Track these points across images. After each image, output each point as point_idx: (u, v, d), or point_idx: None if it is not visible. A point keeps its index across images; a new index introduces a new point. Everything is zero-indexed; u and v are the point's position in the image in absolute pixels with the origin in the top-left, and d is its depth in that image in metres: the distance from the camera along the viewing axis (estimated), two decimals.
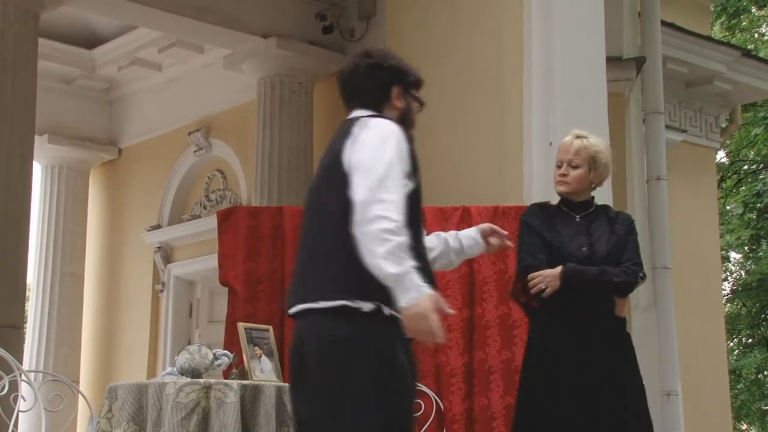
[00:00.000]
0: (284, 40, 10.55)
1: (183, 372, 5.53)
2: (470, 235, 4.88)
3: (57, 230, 12.78)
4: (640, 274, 5.52)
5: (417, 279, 3.87)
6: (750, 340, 22.36)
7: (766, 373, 22.34)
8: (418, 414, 5.91)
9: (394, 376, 4.02)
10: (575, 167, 5.55)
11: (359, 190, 3.98)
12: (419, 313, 3.85)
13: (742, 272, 22.94)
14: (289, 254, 7.33)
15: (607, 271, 5.39)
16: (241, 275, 7.39)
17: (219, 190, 12.29)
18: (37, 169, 12.64)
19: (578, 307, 5.41)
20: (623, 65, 9.61)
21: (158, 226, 12.67)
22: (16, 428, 6.28)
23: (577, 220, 5.58)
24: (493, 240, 4.93)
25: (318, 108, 10.78)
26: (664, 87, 10.05)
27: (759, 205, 19.74)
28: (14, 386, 6.33)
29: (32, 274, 12.34)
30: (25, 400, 6.36)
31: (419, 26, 8.59)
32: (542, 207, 5.72)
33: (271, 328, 6.14)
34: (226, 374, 5.80)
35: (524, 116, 7.77)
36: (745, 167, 21.27)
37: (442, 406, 6.87)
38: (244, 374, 5.69)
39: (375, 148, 4.06)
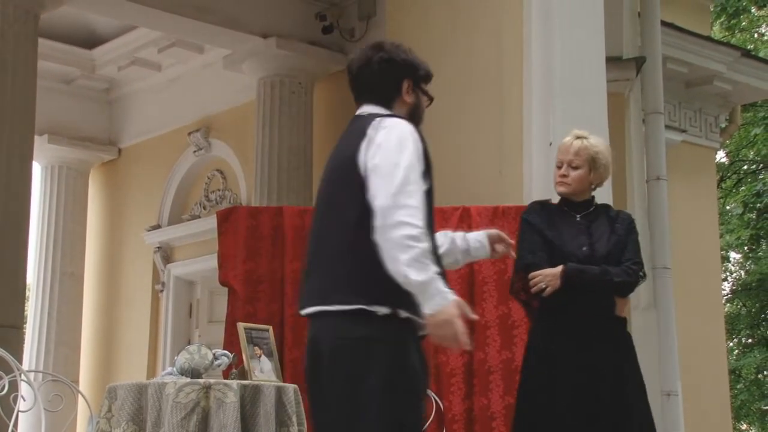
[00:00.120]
0: (284, 40, 10.54)
1: (183, 372, 5.52)
2: (478, 238, 4.85)
3: (57, 230, 12.78)
4: (641, 274, 5.52)
5: (441, 285, 3.86)
6: (750, 340, 22.34)
7: (765, 373, 22.31)
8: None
9: (406, 378, 4.00)
10: (575, 168, 5.54)
11: (379, 195, 3.94)
12: (445, 320, 3.84)
13: (742, 272, 22.92)
14: (288, 254, 7.35)
15: (608, 271, 5.39)
16: (241, 275, 7.38)
17: (219, 190, 12.28)
18: (37, 169, 12.64)
19: (579, 307, 5.40)
20: (623, 65, 9.60)
21: (158, 226, 12.67)
22: (16, 428, 6.28)
23: (578, 219, 5.58)
24: (499, 247, 4.90)
25: (318, 108, 10.77)
26: (664, 87, 10.04)
27: (759, 205, 19.72)
28: (14, 386, 6.33)
29: (32, 274, 12.33)
30: (24, 400, 6.36)
31: (419, 26, 8.58)
32: (543, 205, 5.70)
33: (270, 328, 6.11)
34: (226, 374, 5.79)
35: (524, 116, 7.77)
36: (745, 167, 21.25)
37: (441, 406, 6.87)
38: (243, 374, 5.68)
39: (393, 152, 4.00)
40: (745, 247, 21.65)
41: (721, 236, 17.64)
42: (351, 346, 3.98)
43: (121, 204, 13.26)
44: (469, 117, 8.08)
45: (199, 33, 10.75)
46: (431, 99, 4.40)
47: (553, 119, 7.57)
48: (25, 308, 10.59)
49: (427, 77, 4.38)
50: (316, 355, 4.09)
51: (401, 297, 3.92)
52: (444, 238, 4.74)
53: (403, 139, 4.04)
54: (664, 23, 10.41)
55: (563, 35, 7.80)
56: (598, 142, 5.64)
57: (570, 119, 7.35)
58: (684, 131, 12.10)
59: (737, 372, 20.97)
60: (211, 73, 11.98)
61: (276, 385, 5.47)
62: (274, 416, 5.34)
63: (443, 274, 3.98)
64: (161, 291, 12.52)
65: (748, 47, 18.54)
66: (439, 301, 3.84)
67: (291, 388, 5.55)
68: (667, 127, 10.66)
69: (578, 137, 5.60)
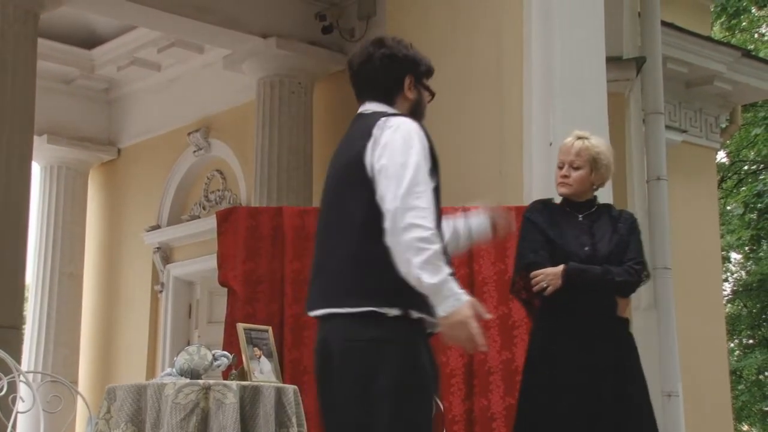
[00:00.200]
0: (284, 40, 10.54)
1: (182, 373, 5.50)
2: (479, 222, 4.76)
3: (56, 230, 12.78)
4: (644, 274, 5.51)
5: (455, 287, 3.86)
6: (751, 341, 22.33)
7: (767, 374, 22.29)
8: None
9: (417, 379, 4.00)
10: (576, 168, 5.54)
11: (388, 197, 3.93)
12: (460, 321, 3.85)
13: (743, 273, 22.89)
14: (288, 255, 7.31)
15: (610, 271, 5.39)
16: (241, 276, 7.34)
17: (218, 190, 12.28)
18: (36, 170, 12.64)
19: (580, 307, 5.41)
20: (623, 65, 9.59)
21: (157, 227, 12.66)
22: (15, 429, 6.31)
23: (580, 219, 5.57)
24: (501, 223, 4.78)
25: (318, 108, 10.76)
26: (664, 87, 10.01)
27: (759, 205, 19.69)
28: (13, 387, 6.36)
29: (31, 275, 12.33)
30: (23, 401, 6.36)
31: (419, 26, 8.56)
32: (545, 204, 5.70)
33: (270, 328, 6.09)
34: (226, 375, 5.76)
35: (524, 116, 7.74)
36: (746, 167, 21.23)
37: (442, 407, 6.85)
38: (243, 375, 5.66)
39: (400, 152, 3.99)
40: (746, 248, 21.62)
41: (722, 237, 17.62)
42: (361, 347, 3.98)
43: (121, 204, 13.25)
44: (469, 117, 8.06)
45: (199, 33, 10.75)
46: (433, 94, 4.38)
47: (553, 119, 7.54)
48: (24, 309, 10.57)
49: (429, 72, 4.36)
50: (326, 356, 4.09)
51: (412, 297, 3.92)
52: (446, 225, 4.67)
53: (409, 139, 4.03)
54: (664, 23, 10.39)
55: (563, 35, 7.78)
56: (600, 142, 5.64)
57: (570, 119, 7.34)
58: (684, 131, 12.08)
59: (738, 373, 20.95)
60: (210, 73, 11.97)
61: (276, 386, 5.45)
62: (273, 417, 5.32)
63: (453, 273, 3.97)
64: (160, 291, 12.50)
65: (749, 47, 18.51)
66: (453, 303, 3.85)
67: (291, 389, 5.54)
68: (668, 127, 10.64)
69: (579, 138, 5.60)
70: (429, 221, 3.88)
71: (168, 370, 5.68)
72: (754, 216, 20.21)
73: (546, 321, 5.52)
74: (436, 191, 4.08)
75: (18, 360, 7.72)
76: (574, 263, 5.37)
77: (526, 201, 7.11)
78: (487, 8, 8.26)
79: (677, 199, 10.83)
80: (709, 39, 12.50)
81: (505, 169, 7.77)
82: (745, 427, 22.50)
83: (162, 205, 12.69)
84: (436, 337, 4.15)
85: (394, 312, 3.98)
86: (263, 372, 5.74)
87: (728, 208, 20.43)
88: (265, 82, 10.68)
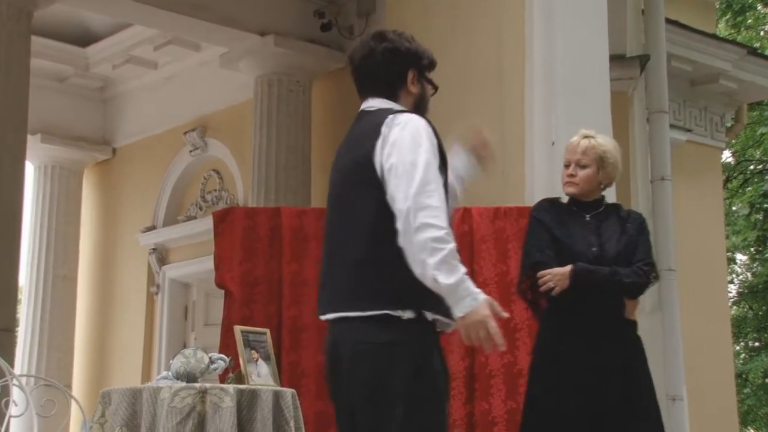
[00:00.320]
0: (282, 37, 10.53)
1: (178, 376, 5.48)
2: (464, 165, 4.57)
3: (50, 231, 12.78)
4: (653, 275, 5.50)
5: (471, 286, 3.84)
6: (757, 344, 22.46)
7: None
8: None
9: (431, 381, 3.98)
10: (583, 167, 5.54)
11: (399, 197, 3.90)
12: (478, 321, 3.83)
13: (749, 274, 23.02)
14: (286, 256, 7.30)
15: (618, 272, 5.38)
16: (238, 277, 7.32)
17: (215, 190, 12.27)
18: (30, 169, 12.58)
19: (588, 308, 5.40)
20: (627, 63, 9.59)
21: (153, 228, 12.66)
22: None
23: (587, 219, 5.57)
24: (483, 153, 4.61)
25: (316, 107, 10.76)
26: (669, 85, 10.02)
27: (765, 205, 19.86)
28: (6, 391, 6.44)
29: (24, 277, 12.30)
30: (16, 405, 6.40)
31: (419, 23, 8.50)
32: (552, 203, 5.69)
33: (268, 331, 6.10)
34: (222, 378, 5.78)
35: (526, 115, 7.72)
36: (751, 167, 21.34)
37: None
38: (240, 378, 5.66)
39: (410, 150, 3.95)
40: (752, 249, 21.78)
41: (727, 237, 17.65)
42: (372, 350, 3.95)
43: (116, 205, 13.25)
44: (470, 116, 7.98)
45: (196, 31, 10.76)
46: (436, 88, 4.34)
47: (555, 118, 7.53)
48: (18, 311, 10.54)
49: (432, 66, 4.32)
50: (336, 359, 4.07)
51: (425, 298, 3.91)
52: None
53: (417, 136, 3.99)
54: (668, 21, 10.40)
55: (566, 33, 7.76)
56: (606, 141, 5.66)
57: (572, 118, 7.34)
58: (689, 130, 12.11)
59: (744, 376, 21.01)
60: (207, 71, 11.97)
61: (273, 390, 5.43)
62: (271, 421, 5.29)
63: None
64: (156, 293, 12.50)
65: (754, 45, 18.67)
66: (470, 303, 3.83)
67: (289, 392, 5.52)
68: (672, 126, 10.65)
69: (586, 136, 5.61)
70: (442, 220, 3.85)
71: (164, 373, 5.66)
72: (760, 216, 20.30)
73: (553, 321, 5.50)
74: (445, 187, 4.03)
75: (11, 363, 7.71)
76: (582, 264, 5.36)
77: (528, 201, 7.20)
78: (488, 5, 8.24)
79: (682, 199, 10.85)
80: (714, 36, 12.52)
81: (506, 168, 7.75)
82: None
83: (158, 206, 12.68)
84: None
85: (408, 315, 3.95)
86: (261, 375, 5.74)
87: (734, 208, 20.49)
88: (263, 81, 10.67)
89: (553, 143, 7.36)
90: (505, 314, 3.95)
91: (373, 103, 4.21)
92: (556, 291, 5.32)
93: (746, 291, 22.28)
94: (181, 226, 12.40)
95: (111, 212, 13.26)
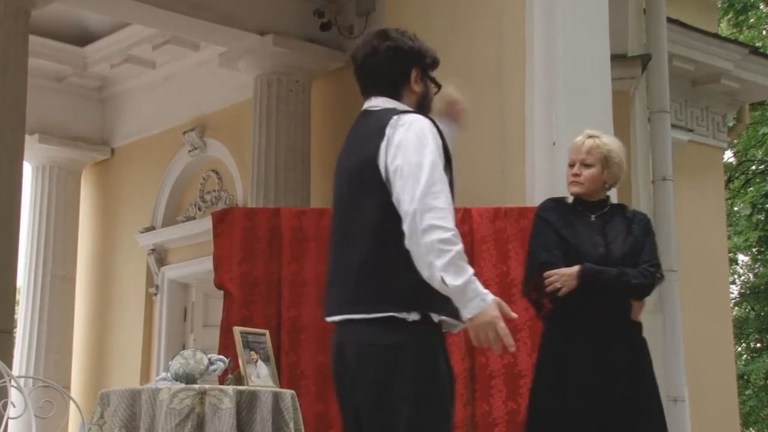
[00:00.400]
0: (281, 37, 10.51)
1: (177, 377, 5.47)
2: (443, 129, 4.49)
3: (48, 232, 12.75)
4: (658, 275, 5.50)
5: (479, 287, 3.84)
6: (758, 345, 22.50)
7: None
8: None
9: (436, 383, 3.98)
10: (588, 166, 5.54)
11: (405, 198, 3.89)
12: (487, 322, 3.83)
13: (751, 275, 23.06)
14: (286, 256, 7.29)
15: (626, 273, 5.37)
16: (237, 278, 7.32)
17: (214, 190, 12.26)
18: (28, 170, 12.61)
19: (594, 308, 5.39)
20: (628, 63, 9.58)
21: (152, 228, 12.63)
22: None
23: (593, 219, 5.55)
24: (456, 111, 4.61)
25: (316, 106, 10.75)
26: (670, 85, 10.01)
27: (767, 206, 19.68)
28: (4, 392, 6.44)
29: (22, 277, 12.30)
30: (15, 407, 6.40)
31: (419, 22, 8.48)
32: (558, 203, 5.68)
33: (267, 332, 6.06)
34: (222, 380, 5.77)
35: (526, 115, 7.71)
36: (753, 167, 21.39)
37: None
38: (239, 380, 5.64)
39: (415, 151, 3.94)
40: (754, 249, 21.81)
41: (729, 238, 17.64)
42: (378, 353, 3.96)
43: (114, 205, 13.23)
44: (470, 116, 7.95)
45: (195, 30, 10.74)
46: (439, 87, 4.32)
47: (556, 118, 7.52)
48: (15, 312, 10.52)
49: (435, 64, 4.30)
50: (341, 361, 4.09)
51: (431, 300, 3.91)
52: None
53: (422, 137, 3.98)
54: (670, 20, 10.39)
55: (567, 32, 7.75)
56: (611, 140, 5.67)
57: (573, 118, 7.35)
58: (691, 130, 12.14)
59: (746, 377, 21.01)
60: (206, 70, 11.96)
61: (273, 391, 5.42)
62: (270, 423, 5.28)
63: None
64: (155, 294, 12.48)
65: (756, 44, 18.70)
66: (479, 304, 3.82)
67: (288, 393, 5.51)
68: (674, 126, 10.66)
69: (590, 136, 5.62)
70: (448, 221, 3.85)
71: (163, 374, 5.66)
72: (762, 217, 20.33)
73: (558, 322, 5.49)
74: (450, 187, 4.02)
75: (9, 364, 7.72)
76: (590, 264, 5.35)
77: (529, 202, 7.24)
78: (488, 5, 8.23)
79: (683, 199, 10.86)
80: (716, 36, 12.53)
81: (507, 169, 7.81)
82: None
83: (156, 206, 12.66)
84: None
85: (413, 316, 3.95)
86: (260, 376, 5.72)
87: (735, 208, 20.51)
88: (262, 80, 10.66)
89: (554, 143, 7.35)
90: (514, 315, 3.94)
91: (376, 103, 4.19)
92: (563, 291, 5.32)
93: (748, 292, 22.32)
94: (180, 226, 12.38)
95: (109, 213, 13.24)
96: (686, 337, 9.60)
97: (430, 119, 4.09)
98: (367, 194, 4.03)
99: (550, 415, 5.34)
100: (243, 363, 5.67)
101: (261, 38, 10.48)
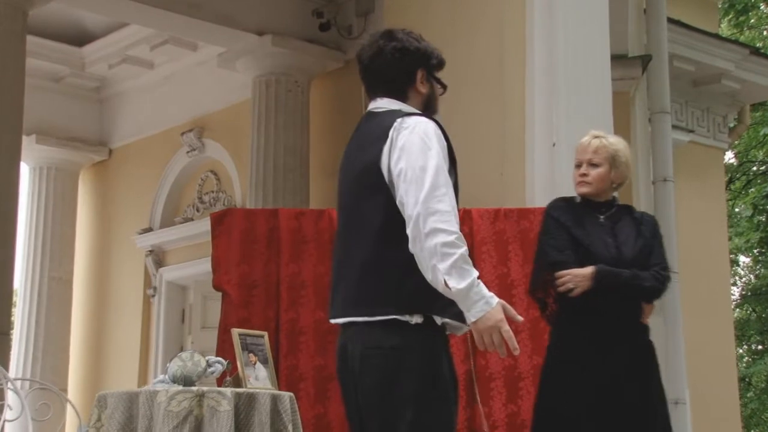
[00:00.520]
0: (280, 37, 10.52)
1: (175, 380, 5.43)
2: None
3: (45, 233, 12.75)
4: (668, 278, 5.51)
5: (483, 290, 3.84)
6: (760, 347, 22.51)
7: None
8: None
9: (439, 386, 3.98)
10: (595, 166, 5.53)
11: (409, 202, 3.89)
12: (491, 326, 3.84)
13: (752, 276, 23.09)
14: (284, 257, 7.26)
15: (639, 275, 5.38)
16: (235, 279, 7.29)
17: (212, 191, 12.26)
18: (25, 170, 12.63)
19: (607, 310, 5.38)
20: (628, 63, 9.58)
21: (150, 229, 12.64)
22: None
23: (601, 220, 5.54)
24: None
25: (314, 107, 10.75)
26: (671, 86, 10.04)
27: None
28: (0, 395, 6.49)
29: (19, 279, 12.29)
30: (11, 409, 6.41)
31: (418, 23, 8.44)
32: (568, 202, 5.66)
33: (266, 334, 6.03)
34: (220, 382, 5.70)
35: (527, 116, 7.70)
36: (754, 168, 21.40)
37: None
38: (238, 382, 5.62)
39: (419, 155, 3.94)
40: (755, 251, 21.84)
41: (730, 239, 17.67)
42: (381, 355, 3.97)
43: (112, 206, 13.23)
44: (470, 117, 8.03)
45: (193, 30, 10.74)
46: (445, 87, 4.31)
47: (556, 119, 7.51)
48: (12, 314, 10.49)
49: (440, 65, 4.29)
50: (345, 362, 4.11)
51: (434, 302, 3.92)
52: None
53: (427, 140, 3.99)
54: (670, 20, 10.41)
55: (567, 33, 7.74)
56: (617, 140, 5.67)
57: (574, 119, 7.36)
58: (691, 131, 12.18)
59: (747, 380, 21.01)
60: (204, 71, 11.96)
61: (271, 393, 5.39)
62: (269, 425, 5.24)
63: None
64: (153, 296, 12.47)
65: (757, 45, 18.72)
66: (483, 307, 3.83)
67: (287, 396, 5.48)
68: (674, 126, 10.70)
69: (596, 137, 5.62)
70: (452, 225, 3.85)
71: (160, 376, 5.61)
72: (763, 218, 20.34)
73: (568, 322, 5.48)
74: (455, 189, 4.03)
75: (6, 367, 7.71)
76: (603, 266, 5.34)
77: (529, 203, 7.26)
78: (488, 5, 8.21)
79: (684, 200, 10.89)
80: (716, 36, 12.56)
81: (506, 170, 7.77)
82: None
83: (154, 207, 12.66)
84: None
85: (416, 319, 3.96)
86: (258, 379, 5.69)
87: (736, 210, 20.53)
88: (261, 81, 10.66)
89: (553, 144, 7.36)
90: (520, 318, 3.95)
91: (382, 104, 4.20)
92: (577, 292, 5.31)
93: (749, 293, 22.37)
94: (178, 227, 12.38)
95: (107, 214, 13.24)
96: (687, 339, 9.60)
97: (435, 121, 4.08)
98: (370, 197, 4.04)
99: (557, 416, 5.33)
100: (241, 365, 5.65)
101: (259, 38, 10.48)
